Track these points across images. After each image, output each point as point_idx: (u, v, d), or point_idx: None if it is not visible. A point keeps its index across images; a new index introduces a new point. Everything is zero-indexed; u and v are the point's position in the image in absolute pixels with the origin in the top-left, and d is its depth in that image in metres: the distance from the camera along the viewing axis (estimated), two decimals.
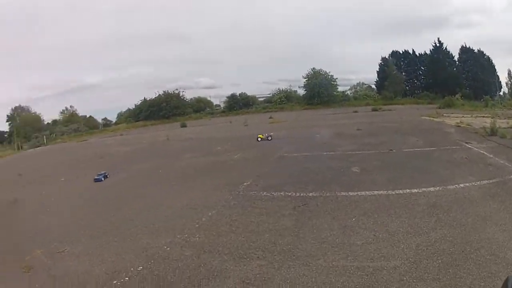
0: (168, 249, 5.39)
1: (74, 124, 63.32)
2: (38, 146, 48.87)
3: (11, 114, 73.69)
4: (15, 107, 73.74)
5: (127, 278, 4.45)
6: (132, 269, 4.67)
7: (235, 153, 14.52)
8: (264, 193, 8.17)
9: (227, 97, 63.31)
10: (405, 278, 3.93)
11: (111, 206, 8.10)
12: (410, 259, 4.38)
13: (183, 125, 40.08)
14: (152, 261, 4.95)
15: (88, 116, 72.29)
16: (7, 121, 73.74)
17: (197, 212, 7.04)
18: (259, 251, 5.04)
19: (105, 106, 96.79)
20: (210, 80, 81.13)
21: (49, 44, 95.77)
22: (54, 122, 70.86)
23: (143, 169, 13.21)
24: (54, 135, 57.80)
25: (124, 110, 73.35)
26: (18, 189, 12.57)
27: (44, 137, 55.43)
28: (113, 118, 74.86)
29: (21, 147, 52.93)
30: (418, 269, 4.13)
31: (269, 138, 18.19)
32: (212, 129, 30.03)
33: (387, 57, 59.03)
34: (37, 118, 71.41)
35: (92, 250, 5.63)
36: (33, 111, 73.07)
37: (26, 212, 9.22)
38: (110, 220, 7.11)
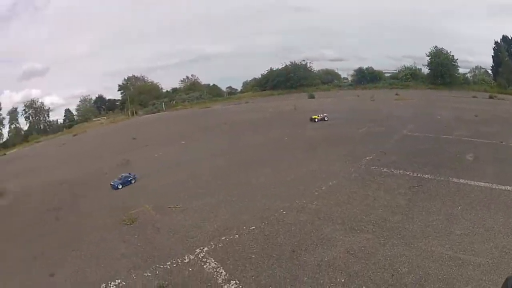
0: (284, 212, 5.63)
1: (196, 92, 65.41)
2: (155, 112, 51.34)
3: (123, 83, 78.58)
4: (128, 77, 78.24)
5: (237, 236, 4.85)
6: (244, 227, 5.04)
7: (360, 127, 13.74)
8: (384, 169, 8.02)
9: (354, 70, 59.61)
10: (483, 278, 3.80)
11: (234, 170, 8.55)
12: (494, 260, 4.15)
13: (311, 96, 37.55)
14: (266, 222, 5.26)
15: (211, 84, 73.84)
16: (118, 90, 78.94)
17: (318, 180, 7.13)
18: (369, 225, 5.11)
19: (229, 75, 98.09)
20: (335, 53, 78.89)
21: (173, 15, 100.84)
22: (174, 90, 73.77)
23: (270, 137, 13.08)
24: (174, 101, 60.26)
25: (249, 79, 73.78)
26: (136, 150, 14.08)
27: (163, 103, 57.95)
28: (238, 87, 75.72)
29: (135, 113, 56.08)
30: (496, 271, 3.94)
31: (326, 119, 16.37)
32: (340, 102, 29.11)
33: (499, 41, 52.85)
34: (154, 87, 74.47)
35: (207, 208, 6.16)
36: (149, 81, 77.16)
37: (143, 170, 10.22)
38: (232, 182, 7.57)
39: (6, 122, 69.91)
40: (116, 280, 4.34)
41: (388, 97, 29.68)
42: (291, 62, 57.04)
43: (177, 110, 47.58)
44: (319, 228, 4.84)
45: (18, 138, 66.69)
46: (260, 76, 63.84)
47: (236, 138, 12.93)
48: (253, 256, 4.23)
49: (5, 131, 70.25)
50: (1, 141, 67.47)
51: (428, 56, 49.21)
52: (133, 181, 9.79)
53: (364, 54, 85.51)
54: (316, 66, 58.97)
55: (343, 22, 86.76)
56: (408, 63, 58.79)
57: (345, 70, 63.98)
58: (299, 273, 3.79)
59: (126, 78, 77.20)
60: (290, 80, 55.44)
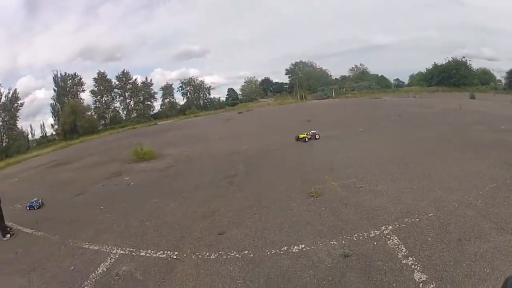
0: (456, 205, 5.47)
1: (365, 82, 65.12)
2: (325, 98, 52.45)
3: (290, 68, 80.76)
4: (296, 62, 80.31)
5: (417, 219, 4.89)
6: (423, 213, 5.02)
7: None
8: None
9: (507, 72, 55.47)
10: None
11: (412, 160, 8.39)
12: None
13: (472, 97, 36.34)
14: (441, 211, 5.18)
15: (379, 75, 73.05)
16: (286, 74, 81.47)
17: (482, 181, 6.69)
18: None
19: (396, 67, 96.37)
20: (492, 52, 73.09)
21: (340, 4, 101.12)
22: (343, 78, 74.41)
23: (440, 133, 12.56)
24: (343, 89, 60.84)
25: (415, 72, 71.95)
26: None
27: (333, 90, 58.94)
28: (404, 79, 74.41)
29: (304, 97, 57.74)
30: None
31: (317, 137, 13.99)
32: (497, 106, 26.67)
33: None
34: (323, 73, 76.06)
35: (391, 192, 6.16)
36: (317, 67, 78.35)
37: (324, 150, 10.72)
38: (411, 172, 7.46)
39: (158, 96, 78.48)
40: (300, 245, 4.60)
41: None
42: (453, 58, 58.32)
43: (347, 98, 47.95)
44: (480, 224, 4.66)
45: (172, 111, 74.28)
46: (425, 70, 64.76)
47: (410, 130, 12.57)
48: (429, 239, 4.27)
49: (156, 104, 78.96)
50: (152, 113, 75.74)
51: None
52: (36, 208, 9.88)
53: None
54: (474, 65, 57.90)
55: (504, 19, 77.59)
56: None
57: (498, 71, 60.42)
58: (460, 259, 3.80)
59: (293, 63, 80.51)
60: (452, 77, 56.44)
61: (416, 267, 3.72)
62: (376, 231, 4.68)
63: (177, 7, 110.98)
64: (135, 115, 77.00)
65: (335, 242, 4.53)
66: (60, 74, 72.36)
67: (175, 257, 5.01)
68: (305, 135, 13.61)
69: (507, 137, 11.50)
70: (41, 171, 20.23)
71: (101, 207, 8.47)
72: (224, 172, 9.89)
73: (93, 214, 8.03)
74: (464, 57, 57.89)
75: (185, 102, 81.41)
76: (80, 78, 74.76)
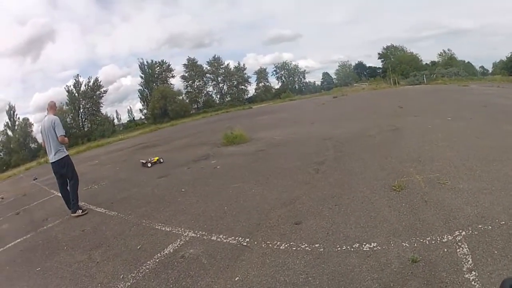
0: None
1: (453, 68, 62.58)
2: (417, 84, 50.80)
3: (382, 52, 78.60)
4: (387, 46, 78.15)
5: (490, 227, 4.48)
6: (496, 220, 4.64)
7: None
8: None
9: None
10: None
11: (498, 158, 7.56)
12: None
13: None
14: None
15: (466, 61, 70.05)
16: (378, 58, 79.47)
17: None
18: None
19: (480, 53, 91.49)
20: None
21: None
22: (433, 63, 71.73)
23: None
24: (434, 75, 58.65)
25: (497, 60, 68.13)
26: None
27: (424, 76, 56.93)
28: (488, 66, 71.23)
29: (397, 82, 56.43)
30: None
31: (161, 161, 13.90)
32: None
33: None
34: (414, 58, 73.89)
35: (471, 192, 5.72)
36: (409, 51, 75.72)
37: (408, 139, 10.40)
38: (494, 171, 6.75)
39: (252, 80, 79.69)
40: (372, 243, 4.49)
41: None
42: None
43: (437, 84, 46.09)
44: None
45: (267, 95, 75.24)
46: (505, 58, 63.10)
47: (496, 123, 11.30)
48: (495, 251, 3.95)
49: (250, 88, 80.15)
50: (246, 96, 77.06)
51: None
52: None
53: None
54: None
55: None
56: None
57: None
58: None
59: (385, 47, 79.03)
60: None
61: (475, 284, 3.45)
62: (449, 236, 4.41)
63: None
64: (229, 99, 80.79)
65: (407, 244, 4.36)
66: (147, 62, 78.06)
67: (245, 244, 5.13)
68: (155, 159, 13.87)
69: None
70: (126, 153, 21.66)
71: (183, 190, 8.87)
72: (313, 158, 9.88)
73: (173, 196, 8.42)
74: None
75: (280, 86, 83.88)
76: (169, 65, 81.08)
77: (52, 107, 8.30)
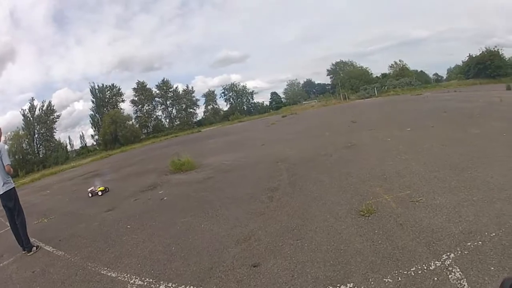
0: None
1: (405, 78, 65.00)
2: (368, 98, 52.13)
3: (331, 68, 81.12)
4: (337, 62, 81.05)
5: (480, 243, 4.02)
6: (486, 233, 4.17)
7: None
8: None
9: None
10: None
11: (469, 165, 7.33)
12: None
13: (508, 88, 34.15)
14: (503, 230, 4.29)
15: (419, 70, 73.01)
16: (327, 75, 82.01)
17: None
18: None
19: (433, 61, 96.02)
20: None
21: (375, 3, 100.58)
22: (384, 75, 74.27)
23: (491, 131, 11.12)
24: (385, 87, 60.54)
25: (452, 66, 72.10)
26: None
27: (375, 88, 58.64)
28: (442, 73, 74.47)
29: (347, 97, 57.88)
30: None
31: (107, 190, 13.57)
32: None
33: None
34: (364, 72, 76.67)
35: (450, 206, 5.23)
36: (358, 65, 78.31)
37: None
38: (469, 179, 6.42)
39: (200, 103, 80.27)
40: (348, 284, 3.78)
41: None
42: (486, 49, 60.27)
43: (389, 96, 47.78)
44: None
45: (216, 117, 75.80)
46: (461, 62, 67.60)
47: (459, 128, 11.39)
48: (492, 268, 3.39)
49: (200, 111, 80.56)
50: (195, 120, 77.06)
51: None
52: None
53: None
54: (505, 54, 61.66)
55: None
56: None
57: None
58: None
59: (334, 63, 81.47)
60: (487, 68, 58.86)
61: None
62: (437, 262, 3.81)
63: (213, 14, 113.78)
64: (178, 122, 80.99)
65: (389, 280, 3.68)
66: (98, 86, 77.46)
67: None
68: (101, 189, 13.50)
69: None
70: (76, 183, 20.86)
71: (128, 226, 8.16)
72: (266, 183, 9.19)
73: (119, 233, 7.75)
74: (496, 47, 59.50)
75: (228, 108, 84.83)
76: (119, 89, 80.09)
77: None
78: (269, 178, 9.70)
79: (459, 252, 3.90)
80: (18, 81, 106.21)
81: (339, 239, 4.90)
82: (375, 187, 6.84)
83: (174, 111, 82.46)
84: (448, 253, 3.91)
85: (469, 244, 4.01)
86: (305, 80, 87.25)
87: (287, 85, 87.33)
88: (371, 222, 5.23)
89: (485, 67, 57.02)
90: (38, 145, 71.63)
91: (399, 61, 75.63)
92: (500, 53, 58.51)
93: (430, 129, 12.20)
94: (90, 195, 13.40)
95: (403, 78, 64.82)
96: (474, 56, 61.61)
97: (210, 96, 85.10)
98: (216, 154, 17.79)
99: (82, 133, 79.88)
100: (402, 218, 5.11)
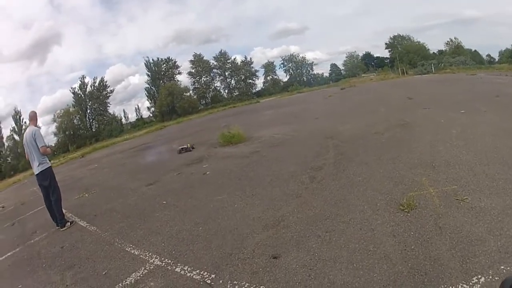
0: None
1: (461, 57, 62.10)
2: (425, 74, 49.87)
3: (390, 42, 77.84)
4: (394, 36, 77.42)
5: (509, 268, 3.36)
6: None
7: None
8: None
9: None
10: None
11: None
12: None
13: None
14: None
15: (473, 50, 69.15)
16: (386, 48, 78.71)
17: None
18: None
19: (486, 42, 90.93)
20: None
21: None
22: (440, 52, 70.95)
23: None
24: (442, 64, 57.79)
25: (503, 48, 67.23)
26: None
27: (432, 65, 56.03)
28: (494, 55, 70.50)
29: (405, 72, 55.63)
30: None
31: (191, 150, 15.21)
32: None
33: None
34: (421, 47, 73.01)
35: (494, 212, 4.50)
36: (416, 40, 74.83)
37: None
38: None
39: (259, 74, 79.38)
40: None
41: None
42: None
43: (446, 73, 45.44)
44: None
45: (276, 88, 74.95)
46: (511, 47, 62.86)
47: (510, 117, 10.23)
48: None
49: (259, 82, 79.93)
50: (254, 90, 78.83)
51: None
52: None
53: None
54: None
55: None
56: None
57: None
58: None
59: (392, 36, 77.91)
60: None
61: None
62: (465, 286, 3.24)
63: None
64: (237, 93, 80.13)
65: None
66: (152, 60, 77.93)
67: (208, 282, 4.23)
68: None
69: None
70: (126, 156, 21.53)
71: (164, 202, 8.21)
72: (310, 162, 8.76)
73: (153, 209, 7.82)
74: None
75: (288, 79, 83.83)
76: (175, 62, 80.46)
77: (32, 118, 8.15)
78: (315, 156, 9.30)
79: (490, 276, 3.30)
80: (68, 61, 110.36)
81: (371, 237, 4.44)
82: (422, 176, 6.20)
83: (233, 81, 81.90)
84: (479, 276, 3.33)
85: (503, 267, 3.38)
86: (364, 53, 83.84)
87: (346, 57, 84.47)
88: (409, 219, 4.69)
89: None
90: (91, 120, 74.22)
91: (454, 38, 71.55)
92: None
93: (483, 114, 11.03)
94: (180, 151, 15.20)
95: (458, 57, 61.06)
96: None
97: (269, 67, 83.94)
98: (269, 126, 17.49)
99: (138, 106, 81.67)
100: (443, 220, 4.51)
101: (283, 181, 7.65)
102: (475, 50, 70.65)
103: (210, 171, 10.36)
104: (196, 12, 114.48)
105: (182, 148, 15.22)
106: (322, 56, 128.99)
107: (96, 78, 74.59)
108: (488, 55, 71.47)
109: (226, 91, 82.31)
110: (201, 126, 31.28)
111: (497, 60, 67.93)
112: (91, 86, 73.74)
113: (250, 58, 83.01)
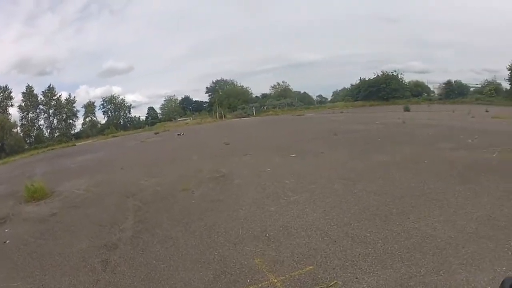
0: None
1: (287, 99, 67.90)
2: (245, 117, 51.95)
3: (211, 86, 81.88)
4: (217, 80, 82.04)
5: None
6: None
7: (486, 149, 10.50)
8: None
9: (444, 83, 60.51)
10: None
11: (390, 207, 5.60)
12: None
13: (407, 109, 36.67)
14: None
15: (302, 92, 75.50)
16: (206, 92, 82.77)
17: None
18: None
19: (320, 84, 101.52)
20: (422, 65, 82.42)
21: (264, 23, 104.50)
22: (264, 95, 76.13)
23: (403, 157, 9.98)
24: (264, 107, 61.02)
25: (339, 89, 75.90)
26: None
27: (253, 108, 58.62)
28: (327, 95, 78.40)
29: (224, 116, 57.30)
30: None
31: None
32: (440, 116, 26.08)
33: None
34: (244, 91, 77.62)
35: None
36: (239, 85, 79.38)
37: None
38: (399, 235, 4.33)
39: (80, 114, 77.73)
40: None
41: (481, 113, 26.84)
42: (383, 72, 62.58)
43: (268, 115, 48.17)
44: None
45: (93, 130, 72.85)
46: (349, 86, 70.30)
47: (359, 154, 10.13)
48: None
49: (78, 123, 77.28)
50: (73, 132, 76.31)
51: (509, 69, 49.51)
52: None
53: (447, 66, 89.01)
54: (405, 78, 63.77)
55: (432, 32, 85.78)
56: (487, 76, 64.58)
57: (431, 83, 66.73)
58: None
59: (214, 81, 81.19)
60: (381, 91, 59.69)
61: None
62: None
63: (110, 20, 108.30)
64: (58, 134, 76.18)
65: None
66: None
67: None
68: None
69: (486, 155, 9.59)
70: None
71: None
72: (106, 234, 6.97)
73: None
74: (395, 71, 62.55)
75: (105, 121, 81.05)
76: (10, 92, 73.26)
77: None
78: (112, 224, 7.52)
79: None
80: None
81: None
82: (253, 257, 4.45)
83: (55, 121, 77.56)
84: None
85: None
86: (183, 97, 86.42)
87: (164, 100, 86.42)
88: None
89: (378, 90, 59.86)
90: None
91: (282, 82, 78.65)
92: (400, 77, 62.58)
93: (321, 156, 10.56)
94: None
95: (285, 99, 67.03)
96: (367, 79, 64.67)
97: (89, 108, 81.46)
98: (74, 178, 15.39)
99: None
100: None
101: (71, 265, 5.79)
102: (304, 92, 78.64)
103: (11, 238, 8.02)
104: (44, 36, 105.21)
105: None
106: (142, 99, 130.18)
107: None
108: (319, 96, 79.90)
109: (49, 130, 77.76)
110: (18, 171, 27.08)
111: (329, 99, 75.57)
112: None
113: (74, 97, 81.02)
